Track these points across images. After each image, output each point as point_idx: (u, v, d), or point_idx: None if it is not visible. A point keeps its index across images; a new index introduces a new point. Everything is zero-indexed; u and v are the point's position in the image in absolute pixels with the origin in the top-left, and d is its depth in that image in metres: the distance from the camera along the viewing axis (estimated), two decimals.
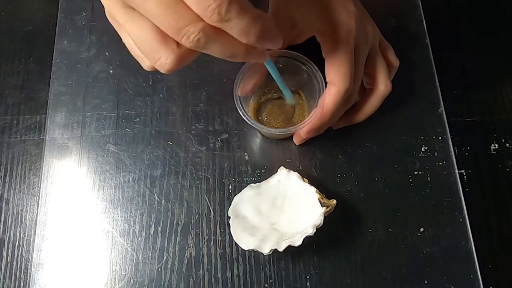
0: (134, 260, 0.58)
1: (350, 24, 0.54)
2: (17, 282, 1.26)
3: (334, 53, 0.54)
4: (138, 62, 0.65)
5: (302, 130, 0.58)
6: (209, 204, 0.60)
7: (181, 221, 0.60)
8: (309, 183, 0.57)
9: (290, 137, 0.63)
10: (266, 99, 0.63)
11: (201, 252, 0.58)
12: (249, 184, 0.59)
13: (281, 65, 0.57)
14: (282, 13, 0.57)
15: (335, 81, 0.54)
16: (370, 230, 0.59)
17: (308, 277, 0.57)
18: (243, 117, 0.54)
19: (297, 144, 0.62)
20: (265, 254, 0.54)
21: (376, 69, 0.59)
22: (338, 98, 0.54)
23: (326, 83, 0.55)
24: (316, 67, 0.56)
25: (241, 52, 0.41)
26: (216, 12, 0.36)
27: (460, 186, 0.61)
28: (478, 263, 0.58)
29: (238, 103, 0.54)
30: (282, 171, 0.59)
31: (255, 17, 0.38)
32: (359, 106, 0.61)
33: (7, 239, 1.30)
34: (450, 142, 0.63)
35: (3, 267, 1.27)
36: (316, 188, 0.56)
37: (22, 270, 1.27)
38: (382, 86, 0.59)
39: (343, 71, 0.53)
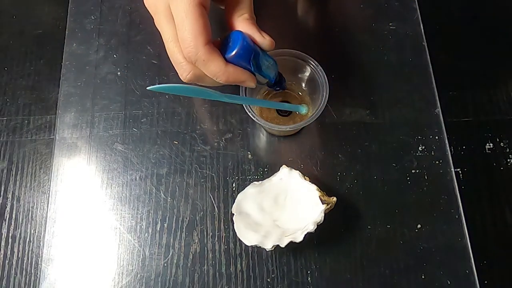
0: (141, 255, 0.59)
1: None
2: (27, 277, 1.26)
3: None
4: (144, 64, 0.67)
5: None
6: (213, 202, 0.61)
7: (186, 218, 0.60)
8: (310, 181, 0.58)
9: (293, 135, 0.64)
10: (271, 95, 0.64)
11: (205, 248, 0.59)
12: (252, 182, 0.60)
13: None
14: None
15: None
16: (369, 227, 0.60)
17: (309, 272, 0.58)
18: (249, 114, 0.55)
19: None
20: (267, 250, 0.55)
21: None
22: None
23: (327, 77, 0.56)
24: (317, 63, 0.57)
25: (230, 80, 0.49)
26: (187, 57, 0.45)
27: (456, 184, 0.62)
28: (474, 259, 0.58)
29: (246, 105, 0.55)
30: (284, 170, 0.59)
31: (221, 67, 0.46)
32: None
33: (18, 235, 1.30)
34: (447, 142, 0.64)
35: (14, 263, 1.27)
36: (317, 186, 0.57)
37: (33, 266, 1.27)
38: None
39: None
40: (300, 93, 0.63)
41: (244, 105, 0.55)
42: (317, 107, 0.56)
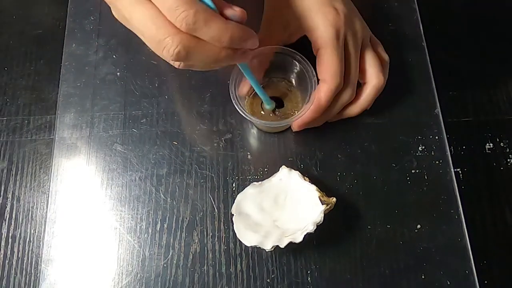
0: (141, 256, 0.59)
1: (338, 22, 0.55)
2: (27, 277, 1.26)
3: (323, 51, 0.56)
4: (144, 65, 0.67)
5: (295, 123, 0.59)
6: (213, 202, 0.61)
7: (186, 218, 0.60)
8: (309, 182, 0.58)
9: (293, 135, 0.64)
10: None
11: (205, 248, 0.59)
12: (251, 182, 0.60)
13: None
14: (276, 14, 0.59)
15: (326, 79, 0.55)
16: (369, 227, 0.60)
17: (309, 272, 0.58)
18: (239, 110, 0.55)
19: (296, 130, 0.62)
20: (267, 250, 0.55)
21: (368, 63, 0.60)
22: (329, 94, 0.56)
23: (318, 78, 0.57)
24: (308, 62, 0.57)
25: (222, 56, 0.43)
26: (184, 22, 0.39)
27: (455, 184, 0.62)
28: (473, 259, 0.58)
29: (234, 98, 0.55)
30: (284, 170, 0.59)
31: (223, 24, 0.41)
32: (354, 99, 0.62)
33: (18, 235, 1.30)
34: (446, 142, 0.64)
35: (14, 263, 1.27)
36: (317, 186, 0.57)
37: (33, 266, 1.27)
38: (375, 79, 0.60)
39: (332, 69, 0.55)
40: (290, 90, 0.63)
41: (234, 102, 0.55)
42: (303, 107, 0.56)
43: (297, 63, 0.58)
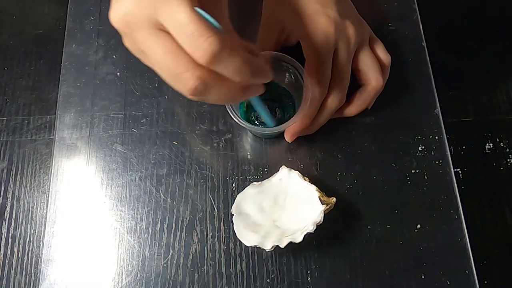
0: (141, 256, 0.59)
1: (329, 30, 0.55)
2: (27, 277, 1.26)
3: (311, 58, 0.56)
4: (143, 65, 0.66)
5: (287, 133, 0.60)
6: (213, 202, 0.61)
7: (186, 218, 0.60)
8: (309, 182, 0.58)
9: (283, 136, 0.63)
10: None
11: (205, 248, 0.59)
12: (251, 182, 0.60)
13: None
14: (273, 18, 0.59)
15: (309, 85, 0.55)
16: (368, 227, 0.60)
17: (309, 272, 0.58)
18: (233, 118, 0.55)
19: (288, 141, 0.62)
20: (267, 250, 0.55)
21: (366, 65, 0.60)
22: (314, 101, 0.56)
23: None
24: (302, 68, 0.57)
25: (239, 95, 0.42)
26: (209, 50, 0.36)
27: (455, 184, 0.62)
28: (473, 259, 0.58)
29: (228, 105, 0.55)
30: (284, 170, 0.59)
31: (247, 55, 0.39)
32: (352, 100, 0.63)
33: (18, 235, 1.30)
34: (446, 142, 0.64)
35: (14, 263, 1.27)
36: (317, 186, 0.57)
37: (33, 266, 1.27)
38: (373, 81, 0.60)
39: (316, 77, 0.55)
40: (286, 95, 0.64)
41: (227, 107, 0.55)
42: (295, 115, 0.56)
43: (290, 68, 0.58)
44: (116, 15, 0.40)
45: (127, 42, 0.43)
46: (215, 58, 0.37)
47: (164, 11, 0.37)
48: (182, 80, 0.38)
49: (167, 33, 0.38)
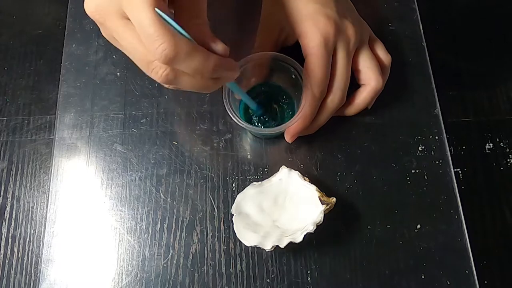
0: (141, 256, 0.59)
1: (328, 30, 0.55)
2: (27, 277, 1.26)
3: (309, 58, 0.56)
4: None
5: (287, 133, 0.60)
6: (213, 202, 0.61)
7: (186, 218, 0.60)
8: (309, 182, 0.58)
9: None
10: (255, 99, 0.63)
11: (205, 248, 0.59)
12: (251, 182, 0.60)
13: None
14: (272, 17, 0.59)
15: (307, 85, 0.56)
16: (368, 227, 0.60)
17: (309, 272, 0.58)
18: (233, 118, 0.55)
19: (288, 142, 0.62)
20: (267, 250, 0.55)
21: (366, 65, 0.60)
22: (312, 101, 0.56)
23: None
24: (301, 69, 0.57)
25: (210, 85, 0.44)
26: (163, 55, 0.38)
27: (455, 184, 0.62)
28: (473, 259, 0.58)
29: (227, 105, 0.55)
30: (284, 170, 0.59)
31: (205, 56, 0.41)
32: (351, 100, 0.63)
33: (18, 235, 1.30)
34: (446, 142, 0.64)
35: (14, 263, 1.27)
36: (317, 186, 0.57)
37: (33, 266, 1.27)
38: (373, 82, 0.60)
39: (315, 76, 0.55)
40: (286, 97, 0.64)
41: (227, 108, 0.55)
42: (295, 115, 0.56)
43: (292, 70, 0.58)
44: (89, 6, 0.44)
45: (103, 32, 0.45)
46: (171, 61, 0.39)
47: (128, 6, 0.39)
48: (153, 68, 0.41)
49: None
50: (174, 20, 0.39)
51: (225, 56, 0.44)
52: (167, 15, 0.39)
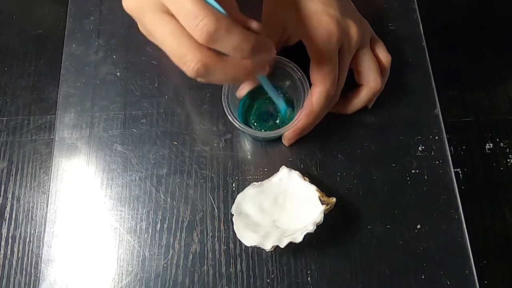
0: (141, 256, 0.59)
1: (332, 29, 0.55)
2: (27, 277, 1.26)
3: (316, 56, 0.56)
4: (143, 65, 0.66)
5: (289, 131, 0.59)
6: (213, 202, 0.61)
7: (186, 218, 0.60)
8: (309, 182, 0.58)
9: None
10: (255, 102, 0.63)
11: (205, 248, 0.59)
12: (251, 182, 0.60)
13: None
14: (274, 18, 0.59)
15: (317, 83, 0.56)
16: (369, 227, 0.60)
17: (309, 272, 0.58)
18: (232, 121, 0.55)
19: (286, 145, 0.63)
20: (267, 250, 0.55)
21: (366, 66, 0.61)
22: (321, 99, 0.56)
23: (311, 84, 0.57)
24: (302, 72, 0.57)
25: (242, 74, 0.44)
26: (205, 30, 0.39)
27: (455, 184, 0.62)
28: (473, 259, 0.58)
29: (226, 107, 0.55)
30: (284, 170, 0.59)
31: (245, 32, 0.41)
32: (349, 99, 0.63)
33: (18, 235, 1.30)
34: (446, 142, 0.64)
35: (14, 263, 1.27)
36: (317, 186, 0.57)
37: (33, 266, 1.28)
38: (372, 83, 0.61)
39: (325, 73, 0.55)
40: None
41: (225, 110, 0.55)
42: (295, 118, 0.57)
43: (290, 72, 0.58)
44: (128, 2, 0.45)
45: (140, 27, 0.47)
46: (212, 37, 0.40)
47: None
48: (185, 61, 0.42)
49: (172, 15, 0.41)
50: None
51: (259, 33, 0.45)
52: None
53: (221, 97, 0.55)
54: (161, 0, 0.41)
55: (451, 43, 1.59)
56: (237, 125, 0.55)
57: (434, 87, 0.67)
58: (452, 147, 1.47)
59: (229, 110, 0.55)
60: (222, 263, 0.58)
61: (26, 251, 1.29)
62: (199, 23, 0.39)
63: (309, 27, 0.56)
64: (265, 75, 0.50)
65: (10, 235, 1.31)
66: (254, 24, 0.45)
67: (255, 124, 0.62)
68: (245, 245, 0.58)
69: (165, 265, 0.58)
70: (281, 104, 0.60)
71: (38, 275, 0.58)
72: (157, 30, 0.43)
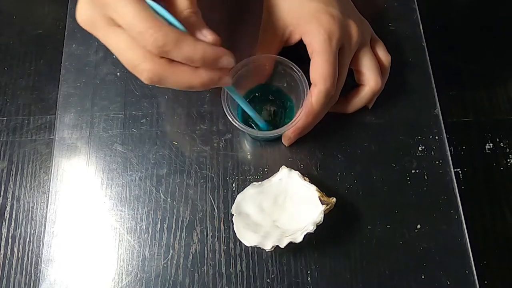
0: (141, 256, 0.59)
1: (332, 27, 0.55)
2: (27, 277, 1.26)
3: (317, 55, 0.56)
4: None
5: (289, 130, 0.59)
6: (213, 202, 0.61)
7: (186, 218, 0.60)
8: (309, 182, 0.58)
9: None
10: (255, 102, 0.64)
11: (205, 248, 0.59)
12: (251, 182, 0.60)
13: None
14: (274, 18, 0.59)
15: (316, 82, 0.55)
16: (369, 227, 0.60)
17: (309, 272, 0.58)
18: (232, 121, 0.55)
19: (286, 145, 0.63)
20: (267, 250, 0.54)
21: (366, 66, 0.60)
22: (321, 98, 0.56)
23: (310, 83, 0.56)
24: (301, 72, 0.57)
25: (196, 82, 0.45)
26: (154, 45, 0.41)
27: (455, 184, 0.62)
28: (473, 259, 0.58)
29: (226, 106, 0.55)
30: (284, 170, 0.59)
31: (194, 43, 0.42)
32: (349, 98, 0.63)
33: (18, 235, 1.30)
34: (446, 142, 0.64)
35: (14, 263, 1.27)
36: (317, 186, 0.57)
37: (33, 266, 1.28)
38: (372, 83, 0.60)
39: (324, 72, 0.55)
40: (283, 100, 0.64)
41: (225, 110, 0.55)
42: (294, 118, 0.57)
43: (290, 71, 0.58)
44: (79, 18, 0.46)
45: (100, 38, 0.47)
46: (161, 51, 0.41)
47: (113, 8, 0.41)
48: (138, 70, 0.43)
49: (122, 28, 0.42)
50: (164, 8, 0.42)
51: (216, 44, 0.46)
52: (156, 3, 0.42)
53: (220, 96, 0.55)
54: (110, 15, 0.42)
55: (451, 43, 1.59)
56: (237, 125, 0.55)
57: (434, 87, 0.67)
58: (452, 147, 1.47)
59: (228, 110, 0.55)
60: (222, 263, 0.58)
61: (26, 251, 1.29)
62: (148, 38, 0.40)
63: (309, 26, 0.56)
64: (229, 85, 0.50)
65: (10, 235, 1.31)
66: (207, 36, 0.46)
67: (255, 124, 0.62)
68: (245, 245, 0.58)
69: (165, 265, 0.58)
70: (260, 123, 0.60)
71: (38, 275, 0.59)
72: (111, 42, 0.44)
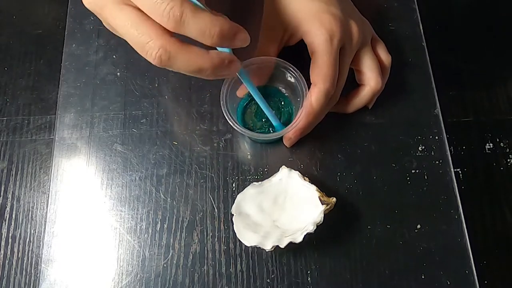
0: (141, 256, 0.59)
1: (333, 27, 0.55)
2: (27, 277, 1.26)
3: (317, 55, 0.56)
4: (143, 65, 0.66)
5: (290, 131, 0.59)
6: (213, 202, 0.61)
7: (186, 218, 0.60)
8: (309, 182, 0.58)
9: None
10: (254, 103, 0.63)
11: (205, 248, 0.59)
12: (251, 182, 0.60)
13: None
14: (275, 18, 0.59)
15: (317, 82, 0.55)
16: (369, 227, 0.60)
17: (309, 272, 0.58)
18: (232, 125, 0.55)
19: (287, 146, 0.63)
20: (267, 250, 0.54)
21: (367, 66, 0.60)
22: (321, 98, 0.56)
23: (309, 85, 0.57)
24: (300, 73, 0.57)
25: (207, 65, 0.43)
26: (171, 16, 0.39)
27: (455, 184, 0.62)
28: (473, 259, 0.58)
29: (225, 108, 0.55)
30: (284, 170, 0.59)
31: (212, 16, 0.41)
32: (349, 98, 0.63)
33: (18, 235, 1.30)
34: (446, 142, 0.64)
35: (14, 263, 1.27)
36: (317, 186, 0.57)
37: (33, 266, 1.28)
38: (372, 83, 0.61)
39: (325, 72, 0.55)
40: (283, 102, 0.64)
41: (224, 112, 0.55)
42: (295, 119, 0.57)
43: (289, 73, 0.58)
44: None
45: (103, 22, 0.47)
46: (178, 21, 0.39)
47: None
48: (147, 49, 0.41)
49: (131, 6, 0.41)
50: None
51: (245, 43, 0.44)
52: None
53: (219, 96, 0.55)
54: None
55: (451, 43, 1.59)
56: (237, 129, 0.55)
57: (434, 87, 0.67)
58: (452, 147, 1.47)
59: (228, 113, 0.55)
60: (222, 263, 0.58)
61: (26, 251, 1.29)
62: (166, 7, 0.39)
63: (310, 26, 0.56)
64: (238, 71, 0.49)
65: (10, 235, 1.31)
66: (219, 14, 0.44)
67: (255, 126, 0.62)
68: (245, 245, 0.58)
69: (165, 265, 0.58)
70: (274, 122, 0.60)
71: (38, 275, 0.58)
72: (118, 21, 0.43)
